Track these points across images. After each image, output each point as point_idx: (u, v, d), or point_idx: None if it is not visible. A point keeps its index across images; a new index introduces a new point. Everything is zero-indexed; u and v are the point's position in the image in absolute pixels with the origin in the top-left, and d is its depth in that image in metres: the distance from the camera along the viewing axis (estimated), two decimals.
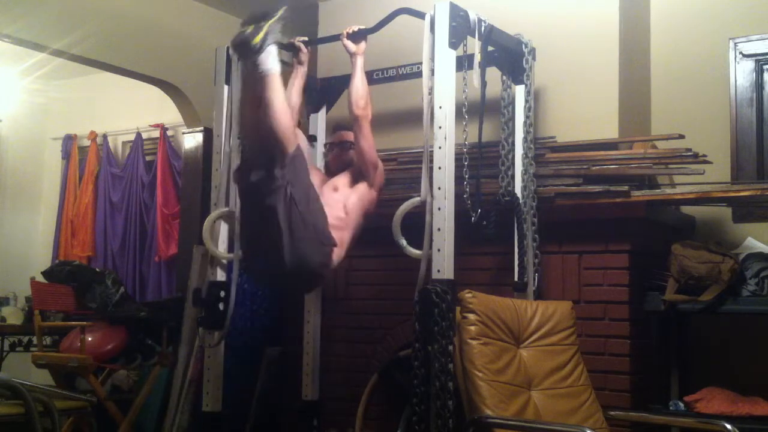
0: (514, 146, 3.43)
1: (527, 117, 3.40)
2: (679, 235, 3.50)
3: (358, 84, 3.20)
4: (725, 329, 3.52)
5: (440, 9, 2.95)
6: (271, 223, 2.73)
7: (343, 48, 3.28)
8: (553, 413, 2.80)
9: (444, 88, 2.91)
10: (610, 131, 3.54)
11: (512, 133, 3.45)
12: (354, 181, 3.26)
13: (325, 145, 3.69)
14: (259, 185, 2.73)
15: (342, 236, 3.05)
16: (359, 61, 3.23)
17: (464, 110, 3.16)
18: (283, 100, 2.74)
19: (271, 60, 2.67)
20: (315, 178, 3.22)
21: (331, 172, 3.41)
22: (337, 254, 3.01)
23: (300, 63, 3.41)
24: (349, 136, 3.33)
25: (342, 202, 3.15)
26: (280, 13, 2.68)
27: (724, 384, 3.23)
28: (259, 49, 2.62)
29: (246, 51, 2.64)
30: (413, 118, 3.43)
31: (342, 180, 3.28)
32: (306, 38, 3.44)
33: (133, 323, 4.57)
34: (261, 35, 2.61)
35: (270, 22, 2.64)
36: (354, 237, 3.14)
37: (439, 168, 2.87)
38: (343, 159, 3.38)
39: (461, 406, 2.74)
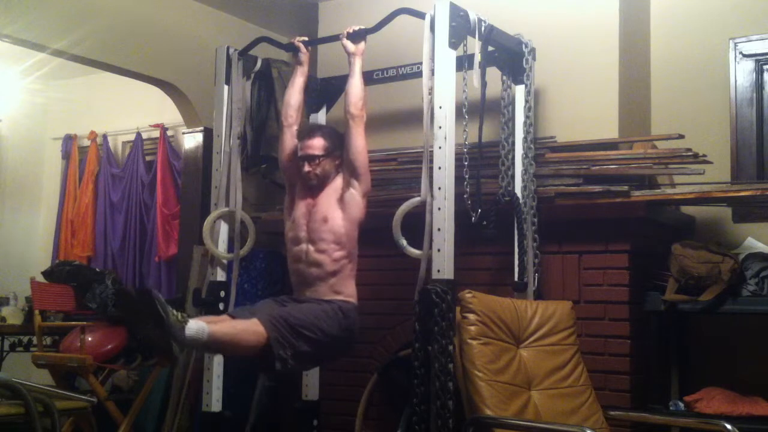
0: (514, 146, 3.43)
1: (527, 117, 3.40)
2: (679, 235, 3.49)
3: (357, 84, 3.15)
4: (725, 329, 3.51)
5: (440, 9, 2.95)
6: None
7: (343, 48, 3.27)
8: (553, 413, 2.80)
9: (444, 88, 2.91)
10: (610, 131, 3.54)
11: (512, 133, 3.45)
12: (340, 197, 3.13)
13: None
14: None
15: (350, 266, 3.15)
16: (358, 62, 3.19)
17: (464, 110, 3.16)
18: None
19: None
20: (301, 207, 3.19)
21: (309, 187, 3.21)
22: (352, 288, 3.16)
23: (299, 63, 3.37)
24: (314, 146, 3.16)
25: (332, 233, 3.10)
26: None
27: (724, 384, 3.23)
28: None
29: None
30: (413, 118, 3.43)
31: (327, 204, 3.14)
32: (306, 38, 3.44)
33: None
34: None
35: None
36: (356, 254, 3.18)
37: (439, 168, 2.87)
38: (315, 173, 3.16)
39: (461, 406, 2.74)
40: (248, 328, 2.79)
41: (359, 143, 3.10)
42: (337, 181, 3.17)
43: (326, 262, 3.09)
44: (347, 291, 3.12)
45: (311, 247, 3.12)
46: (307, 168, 3.16)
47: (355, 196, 3.12)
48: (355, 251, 3.16)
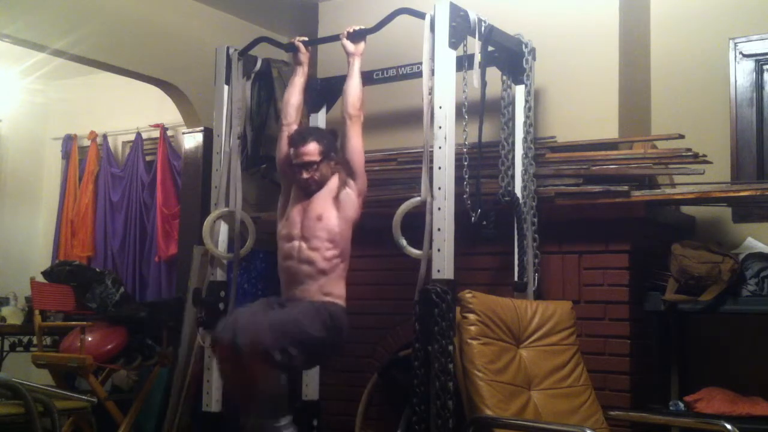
0: (514, 146, 3.44)
1: (527, 117, 3.40)
2: (679, 235, 3.50)
3: (356, 84, 3.14)
4: (725, 329, 3.52)
5: (440, 9, 2.95)
6: None
7: (343, 48, 3.27)
8: (553, 413, 2.80)
9: (444, 88, 2.91)
10: (610, 131, 3.54)
11: (512, 133, 3.45)
12: (336, 196, 3.08)
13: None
14: None
15: (342, 267, 3.06)
16: (357, 62, 3.18)
17: (464, 110, 3.16)
18: None
19: None
20: (296, 206, 3.12)
21: (307, 192, 3.12)
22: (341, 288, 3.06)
23: (299, 63, 3.36)
24: (310, 152, 3.07)
25: (326, 232, 3.02)
26: None
27: (724, 384, 3.23)
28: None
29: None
30: (413, 118, 3.43)
31: (322, 202, 3.08)
32: (306, 38, 3.44)
33: (133, 323, 4.57)
34: None
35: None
36: (348, 254, 3.09)
37: (439, 168, 2.88)
38: (314, 179, 3.08)
39: (461, 406, 2.74)
40: None
41: (356, 143, 3.06)
42: (333, 180, 3.11)
43: (318, 260, 3.00)
44: (336, 292, 3.02)
45: (304, 245, 3.03)
46: (305, 175, 3.07)
47: (351, 196, 3.07)
48: (348, 251, 3.08)
